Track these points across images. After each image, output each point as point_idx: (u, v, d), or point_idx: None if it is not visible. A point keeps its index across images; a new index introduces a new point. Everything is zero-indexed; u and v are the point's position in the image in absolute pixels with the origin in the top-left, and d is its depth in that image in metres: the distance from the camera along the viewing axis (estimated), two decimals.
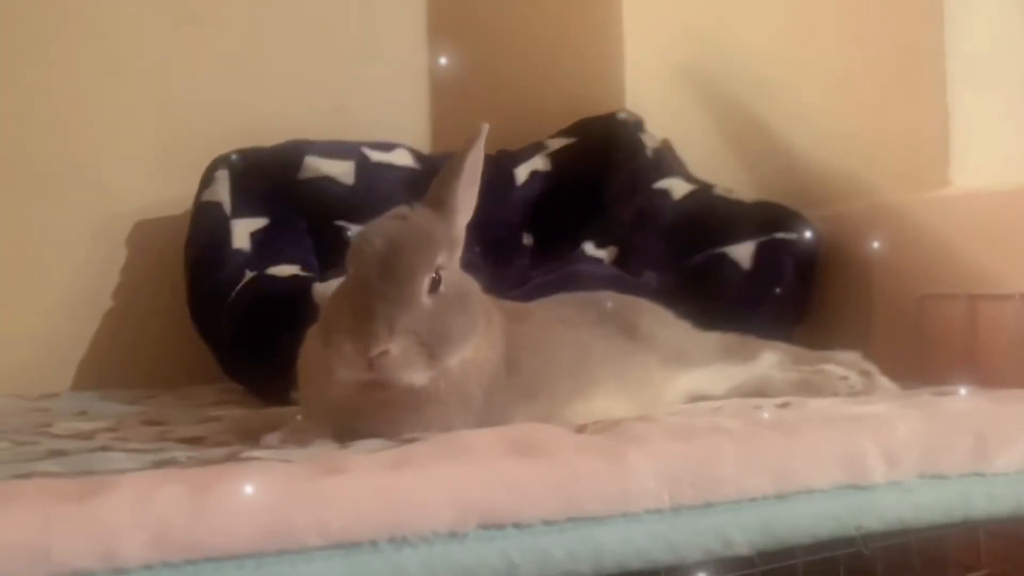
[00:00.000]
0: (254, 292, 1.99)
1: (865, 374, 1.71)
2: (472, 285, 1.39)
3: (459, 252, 1.39)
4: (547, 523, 1.01)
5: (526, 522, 1.00)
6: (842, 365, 1.73)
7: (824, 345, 1.83)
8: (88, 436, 1.46)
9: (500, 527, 0.99)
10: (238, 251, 2.18)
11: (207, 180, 2.30)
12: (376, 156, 2.39)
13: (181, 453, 1.22)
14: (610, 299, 1.77)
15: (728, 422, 1.24)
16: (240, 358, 2.01)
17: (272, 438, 1.28)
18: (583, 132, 2.67)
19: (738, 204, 2.30)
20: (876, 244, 1.96)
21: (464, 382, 1.30)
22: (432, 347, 1.23)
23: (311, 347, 1.36)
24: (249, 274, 2.06)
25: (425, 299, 1.25)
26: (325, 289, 1.84)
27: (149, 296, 2.29)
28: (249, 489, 0.90)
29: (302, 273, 2.06)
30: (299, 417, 1.38)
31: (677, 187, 2.41)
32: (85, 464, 1.15)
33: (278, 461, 1.06)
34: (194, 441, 1.38)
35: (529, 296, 1.88)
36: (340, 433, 1.27)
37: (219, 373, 2.16)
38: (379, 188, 2.32)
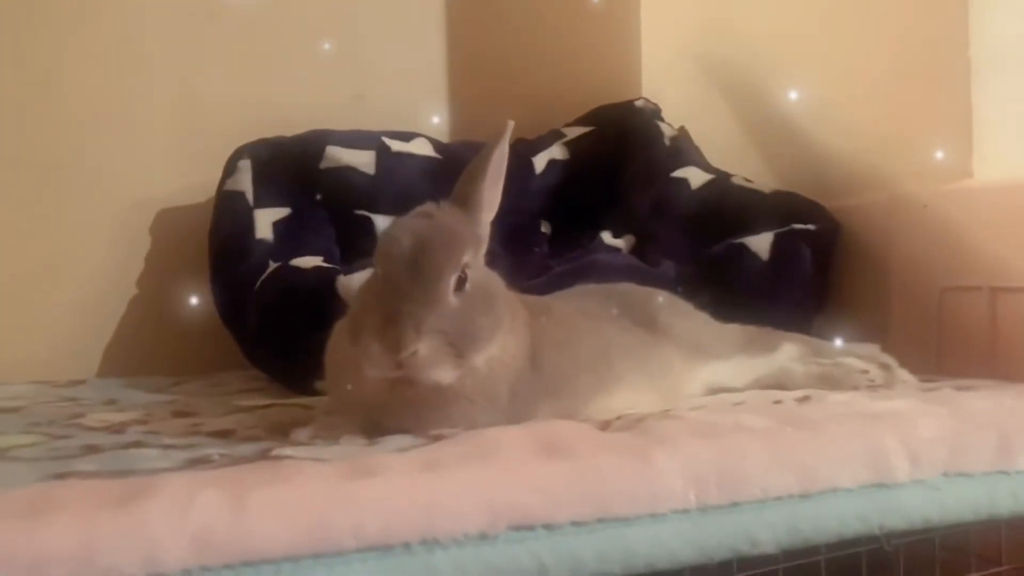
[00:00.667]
0: (279, 284, 2.01)
1: (885, 367, 1.71)
2: (497, 282, 1.40)
3: (484, 249, 1.39)
4: (576, 524, 1.02)
5: (556, 523, 1.01)
6: (861, 358, 1.73)
7: (842, 337, 1.83)
8: (120, 429, 1.48)
9: (530, 528, 1.00)
10: (261, 241, 2.20)
11: (230, 169, 2.32)
12: (396, 146, 2.40)
13: (213, 450, 1.24)
14: (629, 291, 1.78)
15: (752, 420, 1.25)
16: (265, 349, 2.03)
17: (302, 434, 1.30)
18: (600, 120, 2.66)
19: (756, 194, 2.30)
20: (896, 236, 1.95)
21: (490, 380, 1.31)
22: (459, 346, 1.24)
23: (339, 343, 1.37)
24: (273, 265, 2.08)
25: (452, 298, 1.26)
26: (349, 282, 1.85)
27: (173, 283, 2.30)
28: (286, 495, 0.92)
29: (325, 264, 2.07)
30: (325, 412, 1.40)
31: (695, 176, 2.41)
32: (120, 463, 1.17)
33: (310, 460, 1.08)
34: (224, 435, 1.40)
35: (548, 286, 1.89)
36: (367, 428, 1.29)
37: (243, 361, 2.18)
38: (399, 178, 2.32)
